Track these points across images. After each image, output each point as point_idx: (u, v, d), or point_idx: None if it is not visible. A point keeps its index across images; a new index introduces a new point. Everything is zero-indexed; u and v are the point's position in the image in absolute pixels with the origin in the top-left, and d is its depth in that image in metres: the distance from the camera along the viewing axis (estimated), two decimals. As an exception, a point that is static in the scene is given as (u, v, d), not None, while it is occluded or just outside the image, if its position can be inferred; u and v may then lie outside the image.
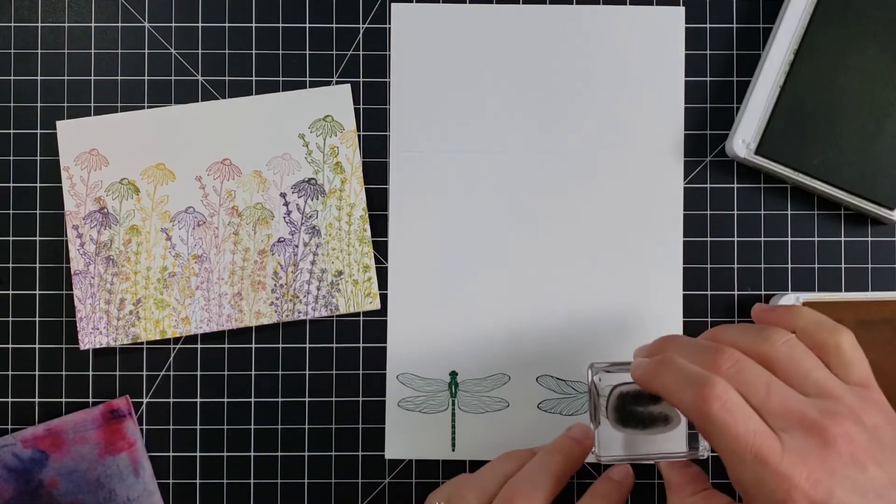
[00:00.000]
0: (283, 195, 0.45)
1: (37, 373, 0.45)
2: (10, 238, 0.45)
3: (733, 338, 0.35)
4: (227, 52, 0.45)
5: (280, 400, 0.45)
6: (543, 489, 0.37)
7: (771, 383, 0.33)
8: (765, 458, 0.31)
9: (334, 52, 0.45)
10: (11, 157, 0.45)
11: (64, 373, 0.45)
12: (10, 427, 0.44)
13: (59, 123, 0.45)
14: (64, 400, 0.45)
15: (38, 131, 0.45)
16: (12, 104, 0.45)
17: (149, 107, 0.45)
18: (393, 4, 0.45)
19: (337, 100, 0.45)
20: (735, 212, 0.45)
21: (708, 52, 0.45)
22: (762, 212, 0.45)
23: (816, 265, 0.45)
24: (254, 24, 0.45)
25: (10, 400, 0.45)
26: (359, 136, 0.45)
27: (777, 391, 0.32)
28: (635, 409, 0.38)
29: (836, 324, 0.36)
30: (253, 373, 0.45)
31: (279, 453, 0.45)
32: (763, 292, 0.45)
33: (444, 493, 0.39)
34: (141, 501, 0.44)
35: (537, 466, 0.39)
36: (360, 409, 0.45)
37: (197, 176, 0.45)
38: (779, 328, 0.35)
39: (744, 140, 0.43)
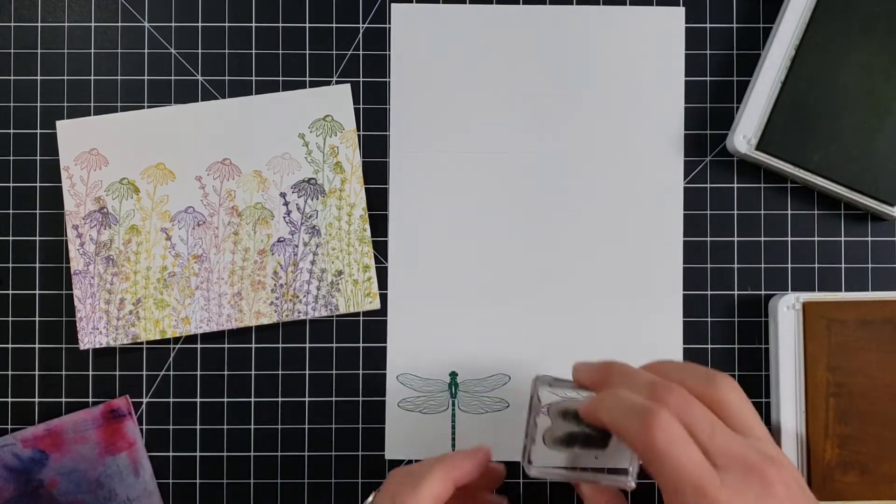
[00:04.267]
0: (283, 195, 0.45)
1: (37, 373, 0.45)
2: (10, 238, 0.45)
3: (680, 377, 0.35)
4: (226, 52, 0.45)
5: (280, 400, 0.45)
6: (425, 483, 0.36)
7: (715, 424, 0.33)
8: (704, 490, 0.31)
9: (334, 52, 0.45)
10: (11, 157, 0.45)
11: (64, 373, 0.45)
12: (10, 427, 0.44)
13: (59, 123, 0.45)
14: (64, 400, 0.45)
15: (38, 131, 0.45)
16: (12, 104, 0.45)
17: (149, 107, 0.45)
18: (393, 4, 0.45)
19: (337, 100, 0.45)
20: (735, 212, 0.45)
21: (708, 52, 0.45)
22: (762, 212, 0.45)
23: (816, 265, 0.45)
24: (254, 24, 0.45)
25: (10, 400, 0.45)
26: (359, 136, 0.45)
27: (721, 432, 0.33)
28: (573, 429, 0.37)
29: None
30: (253, 373, 0.45)
31: (279, 453, 0.45)
32: (763, 292, 0.45)
33: (388, 494, 0.38)
34: (141, 501, 0.44)
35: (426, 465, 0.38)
36: (360, 409, 0.45)
37: (197, 176, 0.45)
38: (723, 373, 0.35)
39: (745, 135, 0.43)
